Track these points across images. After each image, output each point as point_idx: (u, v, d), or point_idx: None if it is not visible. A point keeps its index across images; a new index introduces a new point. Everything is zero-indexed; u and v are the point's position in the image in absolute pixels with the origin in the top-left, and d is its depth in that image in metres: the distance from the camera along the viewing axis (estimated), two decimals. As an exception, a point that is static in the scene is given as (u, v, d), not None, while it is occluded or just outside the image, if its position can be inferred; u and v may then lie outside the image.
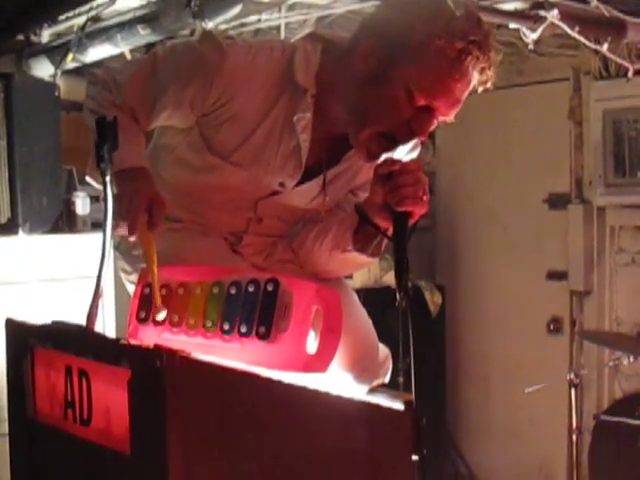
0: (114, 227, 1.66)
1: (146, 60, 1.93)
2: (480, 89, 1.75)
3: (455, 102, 1.74)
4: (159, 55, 1.91)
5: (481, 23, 1.73)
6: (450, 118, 1.77)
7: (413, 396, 1.55)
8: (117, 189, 1.69)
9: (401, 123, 1.75)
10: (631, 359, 3.41)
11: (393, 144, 1.81)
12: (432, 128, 1.78)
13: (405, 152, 1.92)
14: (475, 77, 1.72)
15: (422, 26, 1.69)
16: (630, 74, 3.63)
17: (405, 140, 1.82)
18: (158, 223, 1.68)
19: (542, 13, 2.90)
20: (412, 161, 1.77)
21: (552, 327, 4.65)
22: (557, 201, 4.62)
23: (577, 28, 3.03)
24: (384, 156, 1.83)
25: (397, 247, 1.64)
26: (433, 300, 4.63)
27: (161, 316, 1.63)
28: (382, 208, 1.71)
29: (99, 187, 1.83)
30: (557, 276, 4.61)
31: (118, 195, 1.65)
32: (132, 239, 1.67)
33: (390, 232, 1.74)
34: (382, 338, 2.06)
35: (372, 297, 3.35)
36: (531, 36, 2.96)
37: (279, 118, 1.84)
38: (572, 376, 3.39)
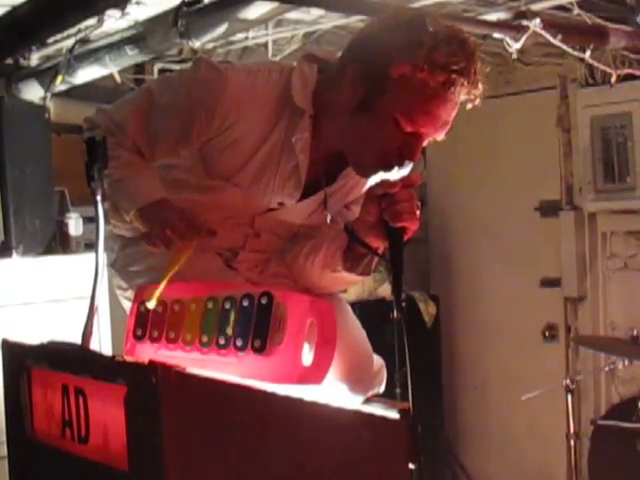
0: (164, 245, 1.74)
1: (141, 97, 1.93)
2: (469, 106, 1.74)
3: (443, 124, 1.74)
4: (154, 90, 1.91)
5: (464, 45, 1.69)
6: (440, 137, 1.78)
7: (410, 405, 1.56)
8: (145, 226, 1.78)
9: (391, 148, 1.76)
10: (626, 363, 3.42)
11: (390, 166, 1.82)
12: (422, 148, 1.78)
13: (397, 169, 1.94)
14: (462, 98, 1.71)
15: (402, 58, 1.68)
16: (613, 80, 3.64)
17: (398, 164, 1.82)
18: (201, 224, 1.74)
19: (525, 23, 2.91)
20: (410, 176, 1.77)
21: (547, 334, 4.65)
22: (548, 208, 4.64)
23: (559, 36, 3.04)
24: (380, 177, 1.84)
25: (395, 264, 1.64)
26: (428, 311, 4.63)
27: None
28: (374, 227, 1.71)
29: (125, 229, 1.94)
30: (551, 283, 4.62)
31: (156, 229, 1.74)
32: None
33: (381, 251, 1.74)
34: (377, 349, 2.07)
35: (367, 309, 3.37)
36: (514, 46, 2.97)
37: (279, 139, 1.84)
38: (568, 382, 3.39)
